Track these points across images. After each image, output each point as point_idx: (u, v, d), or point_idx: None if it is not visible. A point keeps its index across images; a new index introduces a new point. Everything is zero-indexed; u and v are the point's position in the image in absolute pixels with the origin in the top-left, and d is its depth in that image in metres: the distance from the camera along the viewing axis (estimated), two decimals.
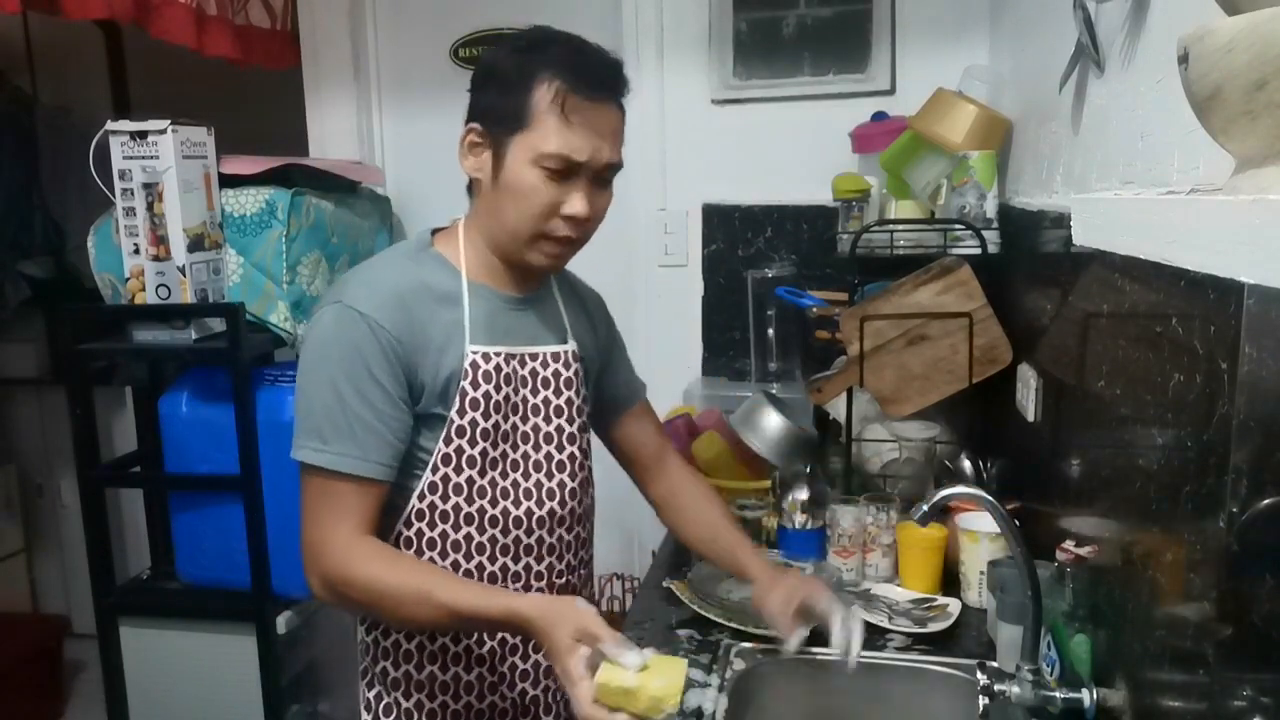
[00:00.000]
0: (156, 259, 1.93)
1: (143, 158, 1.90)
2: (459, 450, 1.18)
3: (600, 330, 1.40)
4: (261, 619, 2.03)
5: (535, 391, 1.24)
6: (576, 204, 1.14)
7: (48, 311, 3.29)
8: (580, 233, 1.18)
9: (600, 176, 1.17)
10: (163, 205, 1.91)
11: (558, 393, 1.26)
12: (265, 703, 2.06)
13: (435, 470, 1.18)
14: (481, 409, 1.18)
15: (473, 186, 1.22)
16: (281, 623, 2.06)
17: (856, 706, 1.41)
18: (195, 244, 1.94)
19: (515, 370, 1.22)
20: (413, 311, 1.15)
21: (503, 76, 1.14)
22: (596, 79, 1.14)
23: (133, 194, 1.92)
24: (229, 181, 2.03)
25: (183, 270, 1.92)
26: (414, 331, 1.14)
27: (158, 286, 1.94)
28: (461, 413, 1.17)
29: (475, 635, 1.23)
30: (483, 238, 1.21)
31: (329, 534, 1.12)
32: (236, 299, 2.01)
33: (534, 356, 1.24)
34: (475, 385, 1.17)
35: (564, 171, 1.12)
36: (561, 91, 1.11)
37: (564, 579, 1.28)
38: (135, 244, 1.94)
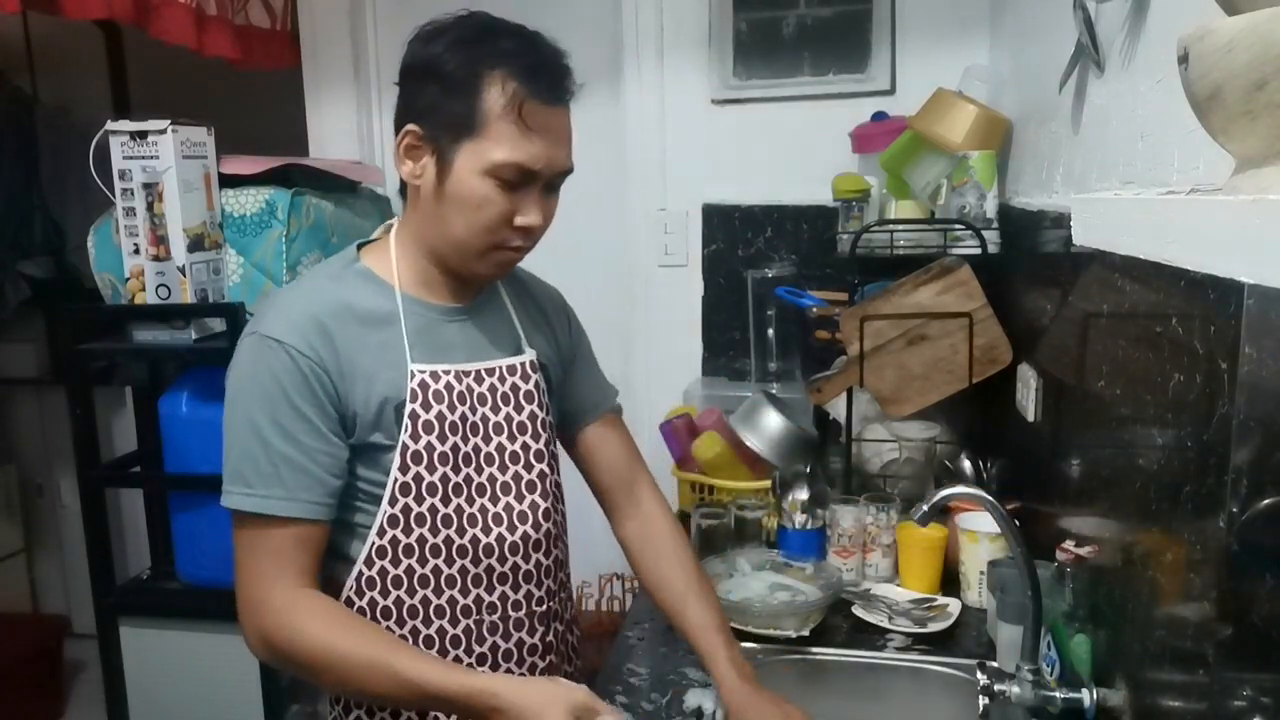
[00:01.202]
0: (156, 259, 1.93)
1: (143, 158, 1.90)
2: (417, 478, 1.09)
3: (560, 332, 1.30)
4: None
5: (495, 409, 1.15)
6: (532, 214, 1.07)
7: (48, 311, 3.29)
8: (532, 242, 1.11)
9: (551, 183, 1.10)
10: (163, 205, 1.91)
11: (519, 408, 1.17)
12: (265, 703, 2.06)
13: (394, 502, 1.09)
14: (436, 432, 1.09)
15: (407, 191, 1.13)
16: None
17: (856, 706, 1.41)
18: (195, 244, 1.94)
19: (470, 388, 1.13)
20: (335, 337, 1.06)
21: (447, 75, 1.04)
22: (553, 82, 1.05)
23: (133, 194, 1.92)
24: (229, 181, 2.03)
25: (183, 270, 1.92)
26: (339, 358, 1.05)
27: (158, 286, 1.94)
28: (415, 437, 1.08)
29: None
30: (419, 247, 1.12)
31: (268, 588, 1.04)
32: (236, 299, 2.00)
33: (490, 372, 1.15)
34: (426, 407, 1.09)
35: (518, 181, 1.05)
36: (519, 95, 1.02)
37: (544, 605, 1.19)
38: (135, 244, 1.94)
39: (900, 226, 1.93)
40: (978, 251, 1.79)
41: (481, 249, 1.08)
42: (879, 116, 2.17)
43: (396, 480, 1.08)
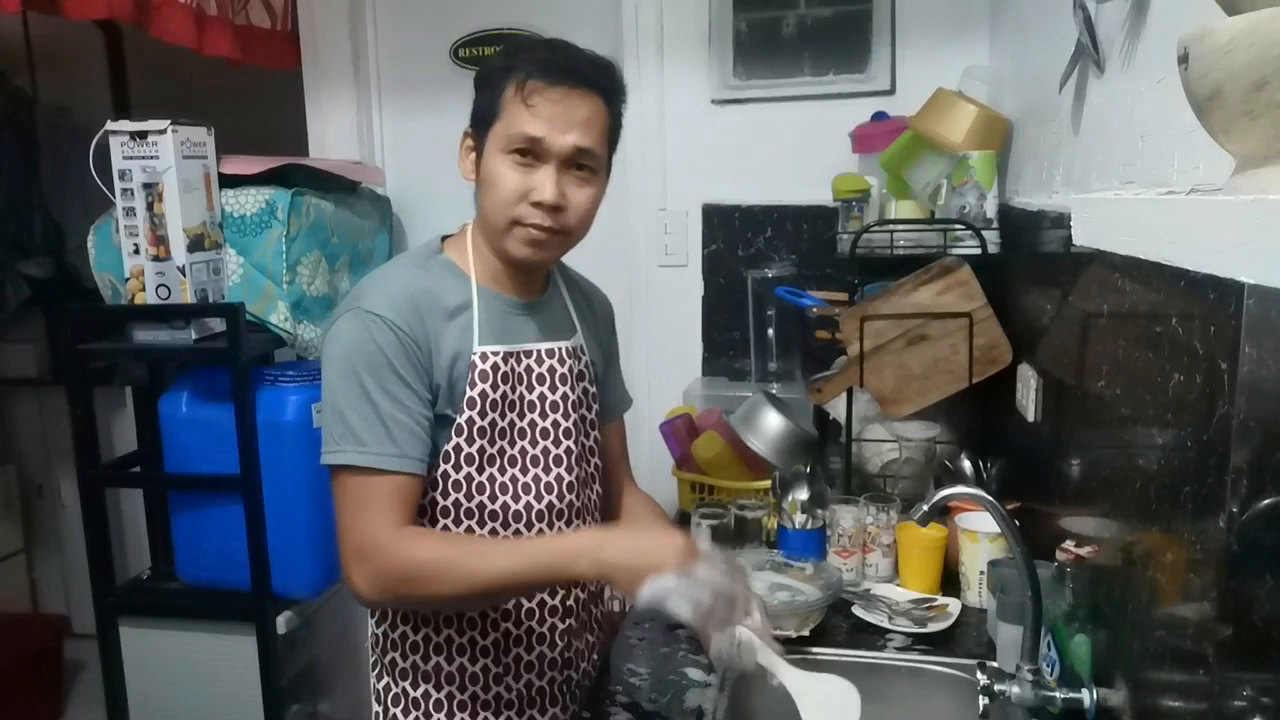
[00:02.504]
0: (156, 259, 1.93)
1: (143, 158, 1.90)
2: (457, 448, 1.20)
3: (604, 336, 1.43)
4: (261, 619, 2.03)
5: (530, 388, 1.26)
6: (544, 190, 1.15)
7: (48, 311, 3.28)
8: (556, 223, 1.18)
9: (575, 165, 1.17)
10: (163, 205, 1.91)
11: (553, 388, 1.27)
12: (265, 703, 2.06)
13: (436, 467, 1.20)
14: (478, 408, 1.20)
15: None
16: (281, 623, 2.06)
17: None
18: (195, 244, 1.94)
19: (513, 368, 1.24)
20: (426, 318, 1.17)
21: (485, 79, 1.20)
22: (562, 66, 1.15)
23: (133, 194, 1.92)
24: (229, 181, 2.03)
25: (183, 270, 1.92)
26: (428, 336, 1.17)
27: (158, 286, 1.94)
28: (460, 411, 1.19)
29: (480, 627, 1.24)
30: (485, 241, 1.24)
31: (377, 532, 1.11)
32: (236, 299, 2.00)
33: (528, 354, 1.26)
34: (473, 384, 1.19)
35: (530, 156, 1.15)
36: (524, 77, 1.15)
37: None
38: (135, 244, 1.94)
39: (900, 226, 1.93)
40: (978, 251, 1.79)
41: (503, 226, 1.18)
42: (879, 116, 2.17)
43: (441, 449, 1.20)
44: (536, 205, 1.16)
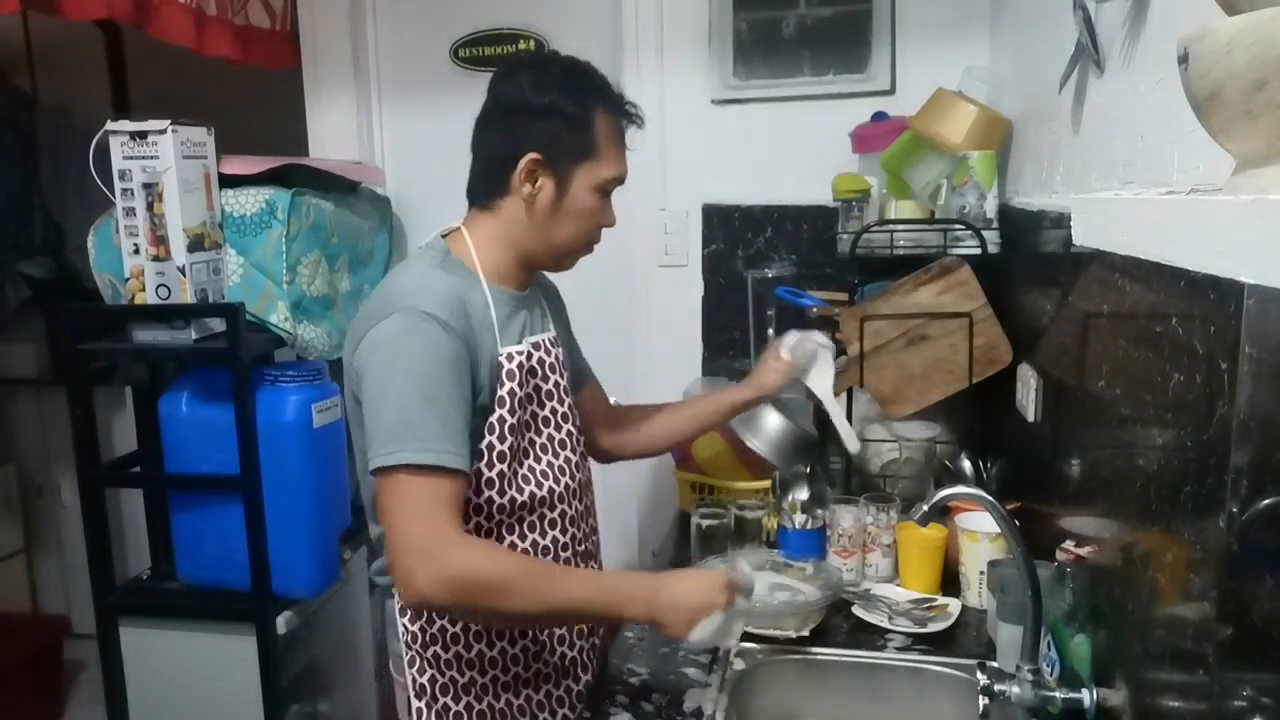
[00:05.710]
0: (156, 259, 1.93)
1: (143, 158, 1.90)
2: (490, 446, 1.25)
3: (563, 314, 1.52)
4: (261, 619, 2.03)
5: (544, 379, 1.33)
6: (612, 216, 1.33)
7: (48, 311, 3.28)
8: None
9: None
10: (163, 205, 1.91)
11: (544, 378, 1.34)
12: (265, 703, 2.05)
13: (470, 465, 1.22)
14: (508, 406, 1.26)
15: (498, 202, 1.29)
16: (281, 623, 2.06)
17: (856, 706, 1.41)
18: (195, 244, 1.94)
19: (527, 362, 1.30)
20: (471, 320, 1.22)
21: (566, 113, 1.25)
22: (634, 110, 1.32)
23: (133, 194, 1.92)
24: (229, 181, 2.03)
25: (183, 270, 1.92)
26: (471, 333, 1.21)
27: (158, 286, 1.94)
28: (492, 410, 1.25)
29: None
30: (509, 248, 1.30)
31: (445, 532, 1.12)
32: (236, 299, 2.00)
33: (537, 345, 1.32)
34: (501, 384, 1.25)
35: (610, 192, 1.30)
36: (619, 125, 1.29)
37: (583, 545, 1.38)
38: (135, 244, 1.94)
39: (900, 226, 1.93)
40: (978, 251, 1.79)
41: (577, 250, 1.33)
42: (879, 116, 2.16)
43: (474, 448, 1.23)
44: (599, 229, 1.32)
